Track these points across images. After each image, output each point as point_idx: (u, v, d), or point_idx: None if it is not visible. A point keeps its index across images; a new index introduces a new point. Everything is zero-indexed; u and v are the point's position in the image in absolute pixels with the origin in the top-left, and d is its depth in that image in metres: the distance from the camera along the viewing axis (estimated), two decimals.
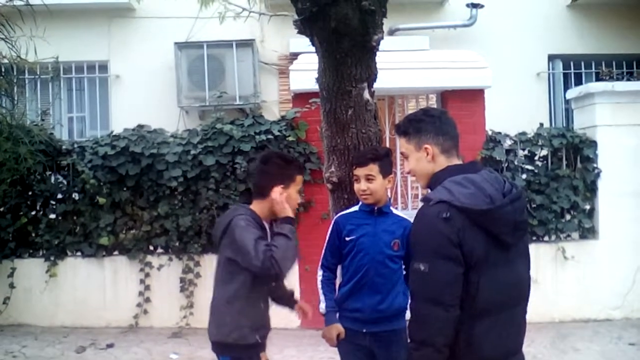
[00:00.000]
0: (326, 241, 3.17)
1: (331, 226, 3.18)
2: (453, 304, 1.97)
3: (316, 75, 3.27)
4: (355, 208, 3.14)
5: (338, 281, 3.25)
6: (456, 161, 2.23)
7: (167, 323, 6.10)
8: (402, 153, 2.34)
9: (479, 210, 2.00)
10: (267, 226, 2.85)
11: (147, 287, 6.14)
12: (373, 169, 3.00)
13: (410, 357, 2.06)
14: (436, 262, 1.98)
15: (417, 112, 2.36)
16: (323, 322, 3.17)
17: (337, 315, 3.13)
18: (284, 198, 2.78)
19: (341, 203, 3.29)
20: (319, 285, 3.15)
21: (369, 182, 3.00)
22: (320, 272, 3.19)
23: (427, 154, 2.21)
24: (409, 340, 2.07)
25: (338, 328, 3.10)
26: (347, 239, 3.05)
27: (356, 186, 3.05)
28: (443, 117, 2.28)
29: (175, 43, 7.88)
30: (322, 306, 3.16)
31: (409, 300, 2.11)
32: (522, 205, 2.15)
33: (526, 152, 6.41)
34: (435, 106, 6.63)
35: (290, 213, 2.79)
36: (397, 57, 6.21)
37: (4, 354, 5.36)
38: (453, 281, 1.97)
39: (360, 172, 3.01)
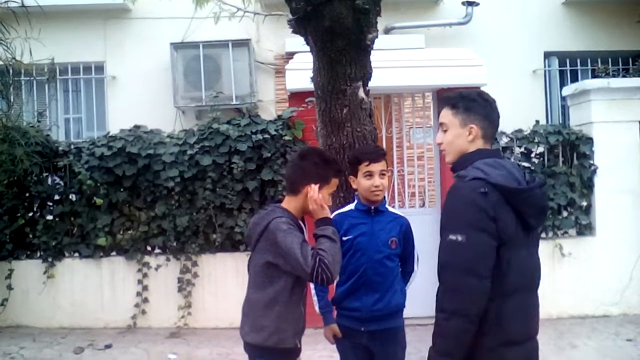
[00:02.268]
0: None
1: None
2: (487, 275, 2.01)
3: (311, 75, 3.28)
4: (351, 206, 3.13)
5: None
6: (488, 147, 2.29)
7: (165, 323, 6.10)
8: (441, 124, 2.34)
9: (514, 189, 2.07)
10: (302, 225, 2.78)
11: (145, 288, 6.14)
12: (384, 164, 3.03)
13: (440, 328, 2.07)
14: (472, 233, 2.01)
15: (471, 91, 2.35)
16: (320, 320, 3.18)
17: (333, 313, 3.14)
18: (321, 197, 2.66)
19: (337, 202, 3.29)
20: (311, 286, 3.09)
21: (382, 178, 3.01)
22: None
23: (470, 134, 2.24)
24: (437, 312, 2.08)
25: (333, 329, 3.11)
26: (344, 238, 3.03)
27: (367, 183, 3.00)
28: (494, 105, 2.31)
29: (171, 43, 7.87)
30: (317, 307, 3.17)
31: (439, 271, 2.12)
32: (546, 192, 2.24)
33: (522, 149, 6.41)
34: (431, 105, 6.64)
35: (328, 214, 2.70)
36: (393, 55, 6.21)
37: (2, 356, 5.36)
38: (488, 253, 2.02)
39: (375, 167, 2.99)
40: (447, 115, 2.30)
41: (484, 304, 2.00)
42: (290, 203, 2.75)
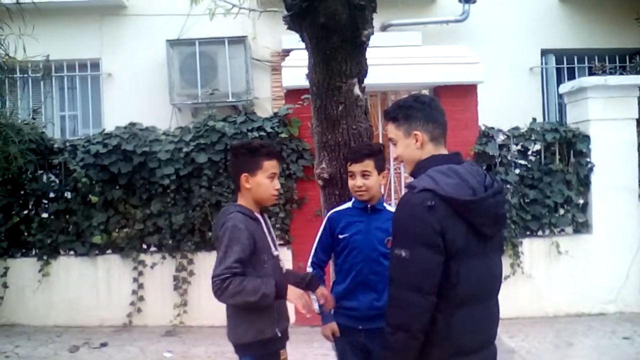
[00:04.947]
0: (317, 238, 3.13)
1: (324, 222, 3.14)
2: (431, 291, 1.99)
3: (307, 72, 3.25)
4: (349, 204, 3.10)
5: (330, 278, 3.23)
6: (443, 150, 2.24)
7: (160, 321, 6.08)
8: (390, 139, 2.33)
9: (463, 200, 2.02)
10: (259, 217, 2.77)
11: (141, 286, 6.12)
12: (369, 165, 2.97)
13: (386, 341, 2.07)
14: (417, 249, 1.99)
15: (407, 98, 2.35)
16: (316, 319, 3.15)
17: (332, 312, 3.12)
18: (301, 302, 2.58)
19: (332, 199, 3.27)
20: None
21: (365, 179, 2.96)
22: (309, 270, 3.13)
23: (417, 141, 2.21)
24: (385, 325, 2.08)
25: (332, 327, 3.09)
26: (340, 236, 3.02)
27: (351, 182, 3.01)
28: (433, 104, 2.28)
29: (167, 40, 7.85)
30: (316, 306, 3.14)
31: (388, 285, 2.11)
32: (502, 199, 2.19)
33: (519, 147, 6.40)
34: None
35: (292, 296, 2.59)
36: (390, 52, 6.20)
37: None
38: (433, 269, 1.99)
39: (355, 168, 2.97)
40: (391, 129, 2.31)
41: (427, 319, 2.00)
42: (241, 199, 2.77)
